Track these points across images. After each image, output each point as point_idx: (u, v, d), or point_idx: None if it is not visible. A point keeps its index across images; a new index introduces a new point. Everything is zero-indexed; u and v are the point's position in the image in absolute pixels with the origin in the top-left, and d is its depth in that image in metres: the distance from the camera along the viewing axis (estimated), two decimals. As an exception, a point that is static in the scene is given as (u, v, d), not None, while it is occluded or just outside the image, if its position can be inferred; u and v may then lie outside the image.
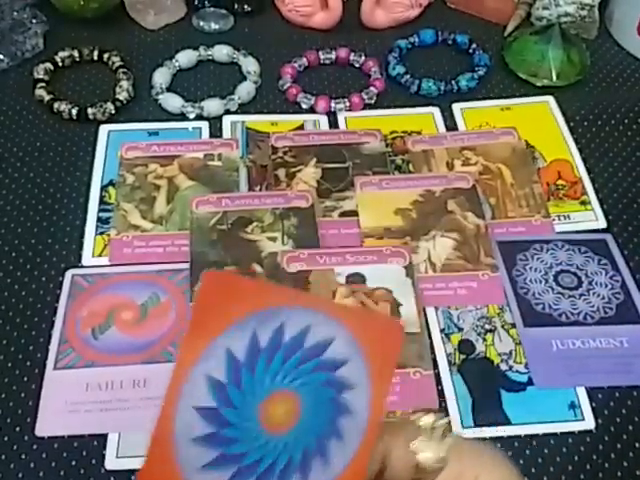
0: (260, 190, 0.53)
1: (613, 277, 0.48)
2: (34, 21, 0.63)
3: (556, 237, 0.50)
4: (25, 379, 0.43)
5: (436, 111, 0.59)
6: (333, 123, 0.58)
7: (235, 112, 0.59)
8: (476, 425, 0.42)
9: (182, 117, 0.58)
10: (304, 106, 0.59)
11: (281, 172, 0.54)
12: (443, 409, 0.42)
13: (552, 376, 0.44)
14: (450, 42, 0.65)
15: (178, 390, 0.24)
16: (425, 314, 0.46)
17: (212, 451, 0.23)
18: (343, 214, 0.51)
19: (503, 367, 0.44)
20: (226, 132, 0.57)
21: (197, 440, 0.23)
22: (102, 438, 0.41)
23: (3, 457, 0.40)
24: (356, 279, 0.47)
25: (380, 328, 0.25)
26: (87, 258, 0.49)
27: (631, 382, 0.43)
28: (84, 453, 0.40)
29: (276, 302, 0.25)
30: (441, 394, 0.43)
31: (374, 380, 0.25)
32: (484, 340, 0.45)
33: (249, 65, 0.61)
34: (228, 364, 0.24)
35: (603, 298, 0.47)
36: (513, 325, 0.46)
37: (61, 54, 0.61)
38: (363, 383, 0.25)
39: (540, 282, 0.48)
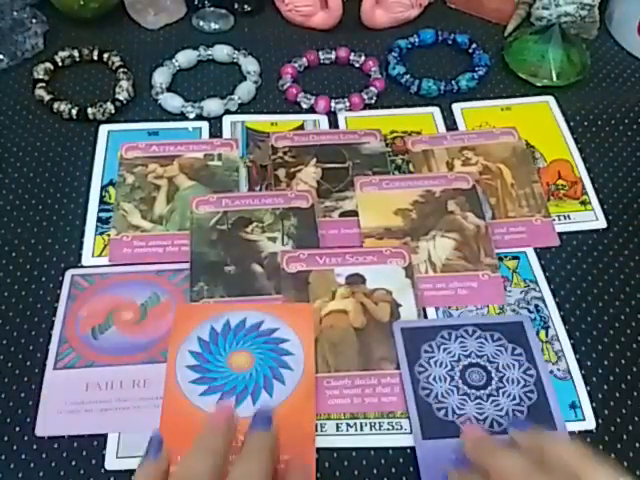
0: (260, 190, 0.53)
1: (527, 371, 0.43)
2: (34, 21, 0.63)
3: (466, 322, 0.45)
4: (25, 379, 0.43)
5: (436, 111, 0.59)
6: (333, 123, 0.58)
7: (235, 112, 0.59)
8: (476, 426, 0.43)
9: (182, 117, 0.58)
10: (304, 106, 0.59)
11: (281, 172, 0.54)
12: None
13: None
14: (450, 42, 0.65)
15: (174, 357, 0.43)
16: (425, 314, 0.46)
17: (203, 386, 0.42)
18: (343, 214, 0.51)
19: (503, 368, 0.46)
20: (226, 132, 0.57)
21: (192, 381, 0.42)
22: (102, 438, 0.41)
23: (3, 457, 0.40)
24: (356, 280, 0.47)
25: (301, 316, 0.45)
26: (87, 258, 0.49)
27: None
28: (84, 453, 0.40)
29: (233, 309, 0.45)
30: (441, 394, 0.43)
31: (307, 353, 0.43)
32: (484, 341, 0.46)
33: (249, 65, 0.61)
34: (199, 342, 0.44)
35: (514, 399, 0.42)
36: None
37: (61, 54, 0.61)
38: (298, 353, 0.43)
39: (445, 380, 0.42)
